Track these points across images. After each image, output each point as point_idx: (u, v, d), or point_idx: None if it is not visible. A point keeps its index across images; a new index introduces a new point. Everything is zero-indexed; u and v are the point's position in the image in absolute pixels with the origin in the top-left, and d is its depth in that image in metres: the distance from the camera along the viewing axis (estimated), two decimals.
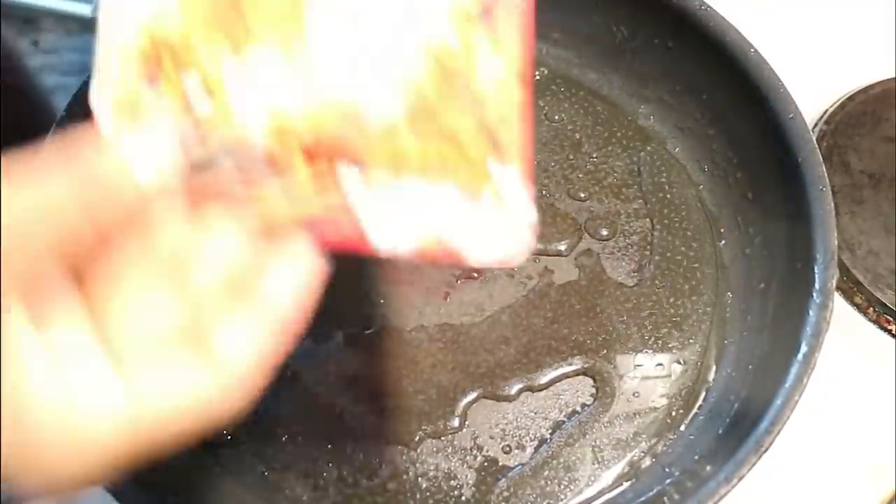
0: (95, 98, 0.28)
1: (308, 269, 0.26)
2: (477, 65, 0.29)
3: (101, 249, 0.24)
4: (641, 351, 0.46)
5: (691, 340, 0.46)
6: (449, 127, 0.28)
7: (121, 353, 0.24)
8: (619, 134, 0.52)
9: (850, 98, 0.57)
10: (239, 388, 0.25)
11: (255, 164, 0.27)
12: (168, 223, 0.25)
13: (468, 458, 0.43)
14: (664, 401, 0.45)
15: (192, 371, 0.25)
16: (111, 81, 0.28)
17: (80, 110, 0.43)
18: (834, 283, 0.40)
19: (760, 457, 0.37)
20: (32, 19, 1.48)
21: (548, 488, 0.42)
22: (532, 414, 0.44)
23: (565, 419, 0.44)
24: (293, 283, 0.26)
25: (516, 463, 0.43)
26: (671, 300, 0.47)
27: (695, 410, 0.44)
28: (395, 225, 0.28)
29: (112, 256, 0.24)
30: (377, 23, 0.29)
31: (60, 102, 0.46)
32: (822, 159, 0.43)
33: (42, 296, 0.23)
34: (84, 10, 1.43)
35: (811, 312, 0.40)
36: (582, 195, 0.50)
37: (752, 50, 0.45)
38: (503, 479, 0.42)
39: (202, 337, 0.25)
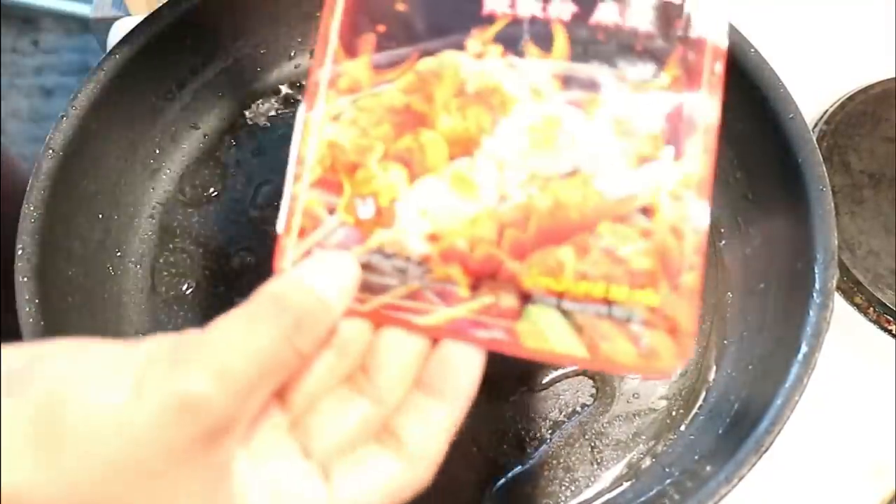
0: (282, 220, 0.30)
1: (476, 361, 0.28)
2: (658, 193, 0.29)
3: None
4: None
5: None
6: (613, 248, 0.29)
7: (323, 460, 0.27)
8: None
9: (850, 98, 0.57)
10: (429, 471, 0.27)
11: (412, 268, 0.29)
12: (350, 331, 0.28)
13: (468, 458, 0.43)
14: (664, 401, 0.45)
15: (388, 464, 0.27)
16: (296, 196, 0.30)
17: (79, 111, 0.43)
18: (834, 283, 0.40)
19: (760, 457, 0.37)
20: (32, 19, 1.48)
21: (548, 488, 0.42)
22: (532, 414, 0.44)
23: (565, 419, 0.44)
24: (467, 373, 0.28)
25: (516, 463, 0.43)
26: None
27: (695, 410, 0.44)
28: (547, 332, 0.29)
29: (305, 370, 0.27)
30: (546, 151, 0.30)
31: (61, 102, 0.46)
32: (822, 159, 0.43)
33: (255, 423, 0.26)
34: (84, 10, 1.44)
35: (811, 312, 0.40)
36: None
37: (752, 50, 0.45)
38: (503, 480, 0.42)
39: (392, 431, 0.27)
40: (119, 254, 0.47)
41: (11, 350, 0.24)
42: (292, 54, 0.54)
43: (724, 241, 0.49)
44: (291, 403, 0.27)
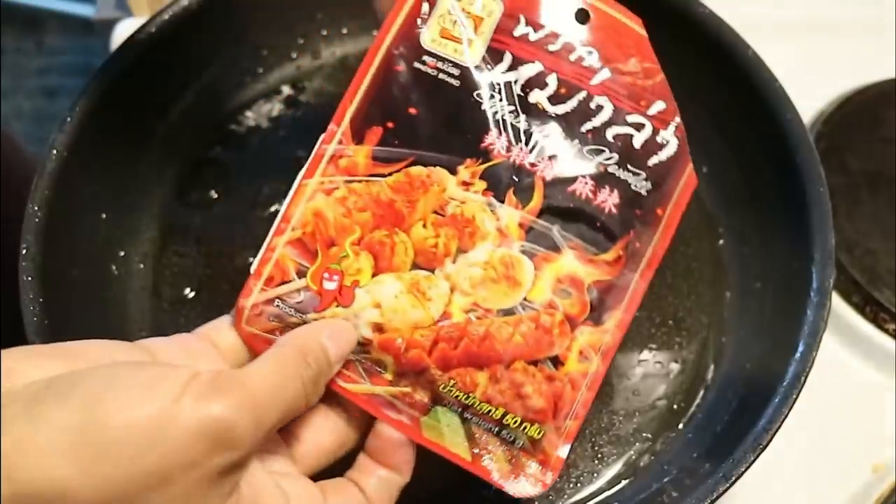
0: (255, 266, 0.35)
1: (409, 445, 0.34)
2: (566, 339, 0.35)
3: None
4: (640, 349, 0.46)
5: (690, 339, 0.46)
6: (519, 384, 0.34)
7: (308, 467, 0.32)
8: None
9: (848, 99, 0.57)
10: None
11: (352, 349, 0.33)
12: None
13: None
14: (663, 399, 0.45)
15: (359, 497, 0.32)
16: (273, 247, 0.34)
17: (83, 112, 0.43)
18: (832, 282, 0.41)
19: (758, 455, 0.37)
20: (36, 20, 1.49)
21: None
22: None
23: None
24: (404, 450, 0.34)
25: None
26: (670, 299, 0.47)
27: (693, 409, 0.44)
28: (444, 431, 0.34)
29: None
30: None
31: (64, 103, 0.46)
32: (819, 160, 0.43)
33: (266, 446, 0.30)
34: (87, 11, 1.44)
35: (809, 312, 0.40)
36: None
37: (751, 51, 0.45)
38: None
39: (355, 481, 0.33)
40: (122, 254, 0.48)
41: (48, 350, 0.26)
42: (294, 56, 0.54)
43: (722, 241, 0.49)
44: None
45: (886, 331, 0.51)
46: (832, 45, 0.60)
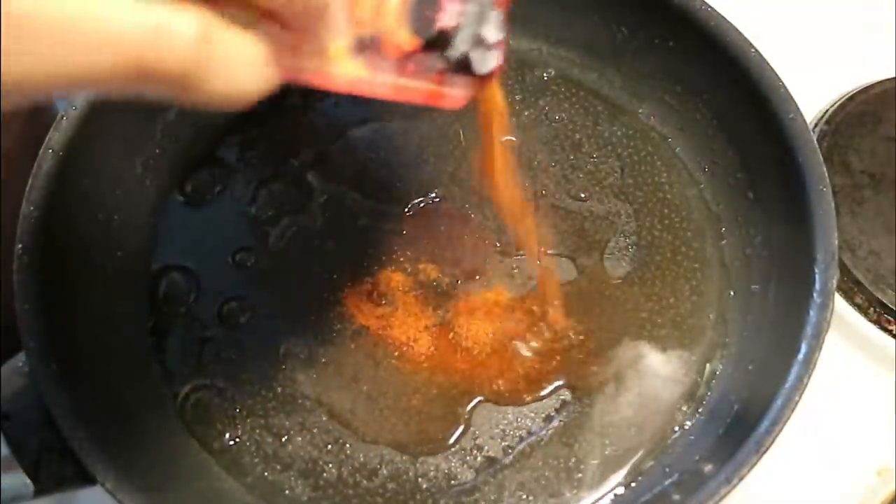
0: None
1: None
2: None
3: None
4: (642, 350, 0.46)
5: (692, 340, 0.46)
6: None
7: None
8: (619, 134, 0.52)
9: (850, 98, 0.57)
10: None
11: None
12: None
13: (468, 458, 0.43)
14: (665, 401, 0.45)
15: None
16: None
17: (79, 111, 0.43)
18: (834, 283, 0.40)
19: (761, 457, 0.37)
20: None
21: (548, 489, 0.42)
22: (532, 414, 0.44)
23: (567, 420, 0.44)
24: None
25: (517, 463, 0.43)
26: (672, 300, 0.47)
27: (695, 411, 0.44)
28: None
29: None
30: None
31: (61, 102, 0.46)
32: (822, 159, 0.43)
33: None
34: None
35: (812, 313, 0.40)
36: (582, 195, 0.50)
37: (753, 50, 0.45)
38: (504, 480, 0.42)
39: None
40: (120, 254, 0.47)
41: None
42: None
43: (724, 241, 0.49)
44: None
45: (890, 332, 0.50)
46: (834, 44, 0.60)
